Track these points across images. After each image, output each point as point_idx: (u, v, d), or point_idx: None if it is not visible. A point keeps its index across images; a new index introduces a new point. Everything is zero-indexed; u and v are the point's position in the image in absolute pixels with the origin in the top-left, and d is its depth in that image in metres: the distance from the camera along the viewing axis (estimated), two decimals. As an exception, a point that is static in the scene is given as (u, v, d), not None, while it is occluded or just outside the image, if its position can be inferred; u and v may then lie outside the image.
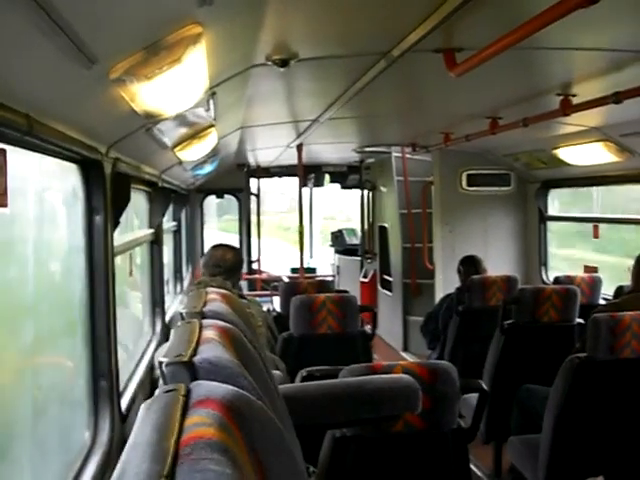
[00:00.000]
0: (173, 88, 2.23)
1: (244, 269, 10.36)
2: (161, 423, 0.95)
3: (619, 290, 5.00)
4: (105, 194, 2.74)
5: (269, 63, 3.07)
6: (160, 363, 1.34)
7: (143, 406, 1.06)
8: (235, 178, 10.21)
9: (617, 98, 3.54)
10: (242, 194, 10.51)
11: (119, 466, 0.90)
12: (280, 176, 11.04)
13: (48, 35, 1.35)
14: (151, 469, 0.82)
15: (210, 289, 2.35)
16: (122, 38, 1.65)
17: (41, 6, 1.22)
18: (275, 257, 13.62)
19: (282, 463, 1.22)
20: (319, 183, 11.20)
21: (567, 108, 4.05)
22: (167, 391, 1.07)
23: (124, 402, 3.15)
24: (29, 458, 2.32)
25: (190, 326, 1.59)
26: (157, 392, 1.10)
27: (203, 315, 1.82)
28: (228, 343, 1.54)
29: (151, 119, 2.64)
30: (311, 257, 12.48)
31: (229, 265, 4.22)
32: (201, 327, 1.58)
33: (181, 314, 1.96)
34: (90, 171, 2.68)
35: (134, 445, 0.93)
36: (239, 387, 1.18)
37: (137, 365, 4.03)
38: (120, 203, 2.94)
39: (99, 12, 1.42)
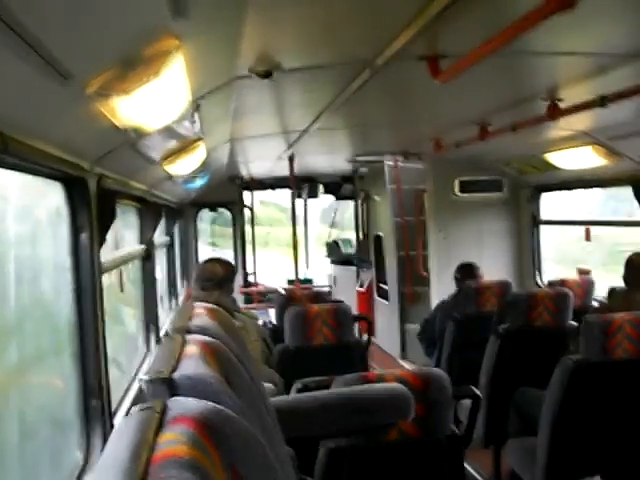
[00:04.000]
0: (153, 102, 2.22)
1: (240, 282, 10.34)
2: (134, 441, 0.93)
3: (612, 292, 5.00)
4: (90, 211, 2.72)
5: (252, 75, 3.07)
6: (141, 380, 1.33)
7: (118, 423, 1.05)
8: (228, 191, 10.18)
9: (603, 102, 3.55)
10: (235, 207, 10.49)
11: None
12: (273, 188, 11.01)
13: (18, 53, 1.34)
14: None
15: (198, 304, 2.33)
16: (95, 53, 1.63)
17: (9, 25, 1.20)
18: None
19: (267, 477, 1.20)
20: (313, 194, 11.18)
21: (554, 113, 4.05)
22: (143, 408, 1.06)
23: (117, 421, 3.12)
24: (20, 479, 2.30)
25: (173, 342, 1.57)
26: (133, 409, 1.09)
27: (189, 331, 1.80)
28: (211, 358, 1.52)
29: (135, 134, 2.62)
30: (307, 268, 12.43)
31: (219, 278, 4.19)
32: (184, 343, 1.57)
33: (166, 331, 1.95)
34: (74, 188, 2.66)
35: (105, 463, 0.92)
36: (220, 403, 1.16)
37: (130, 383, 4.00)
38: (106, 220, 2.92)
39: (69, 28, 1.40)
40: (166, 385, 1.25)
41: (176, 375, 1.27)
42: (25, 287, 2.45)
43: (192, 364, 1.37)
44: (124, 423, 1.02)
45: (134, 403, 3.60)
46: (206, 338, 1.66)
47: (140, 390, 3.82)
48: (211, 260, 4.48)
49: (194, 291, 4.32)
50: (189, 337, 1.64)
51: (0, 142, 1.66)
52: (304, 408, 2.58)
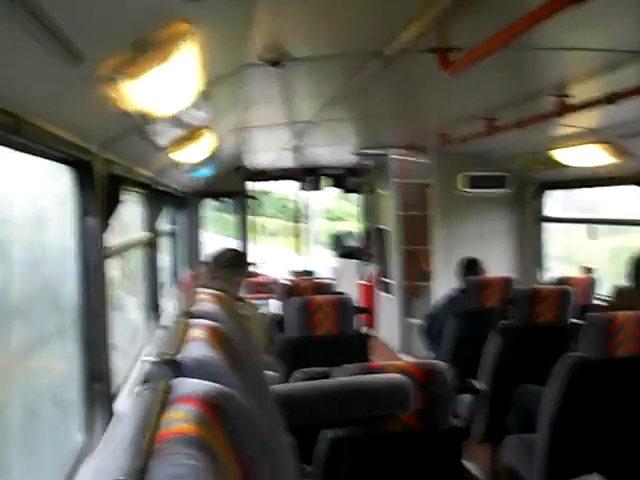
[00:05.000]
0: (163, 87, 2.22)
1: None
2: (140, 419, 0.94)
3: (616, 290, 5.00)
4: (96, 196, 2.73)
5: (261, 62, 3.06)
6: (146, 362, 1.34)
7: (126, 402, 1.06)
8: (233, 181, 10.18)
9: (611, 99, 3.54)
10: (240, 198, 10.49)
11: (97, 460, 0.89)
12: (278, 179, 11.02)
13: (32, 33, 1.34)
14: (125, 463, 0.81)
15: (202, 289, 2.34)
16: (108, 35, 1.64)
17: (24, 4, 1.21)
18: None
19: (269, 461, 1.21)
20: (317, 186, 11.17)
21: (562, 109, 4.05)
22: (148, 388, 1.07)
23: (119, 405, 3.14)
24: (21, 461, 2.31)
25: (179, 326, 1.58)
26: (138, 389, 1.09)
27: (192, 315, 1.81)
28: (216, 342, 1.53)
29: (143, 119, 2.63)
30: (308, 260, 12.44)
31: (224, 264, 4.18)
32: (189, 327, 1.57)
33: (172, 315, 1.96)
34: (81, 172, 2.67)
35: (111, 441, 0.93)
36: (224, 385, 1.17)
37: (132, 367, 4.02)
38: (112, 205, 2.93)
39: (83, 10, 1.41)
40: (171, 367, 1.26)
41: (182, 357, 1.28)
42: (32, 270, 2.46)
43: (197, 347, 1.38)
44: (130, 402, 1.03)
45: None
46: (211, 322, 1.67)
47: (143, 373, 3.85)
48: (223, 249, 4.51)
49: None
50: (194, 321, 1.65)
51: (14, 123, 1.66)
52: (304, 397, 2.58)
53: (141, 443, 0.85)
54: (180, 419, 0.92)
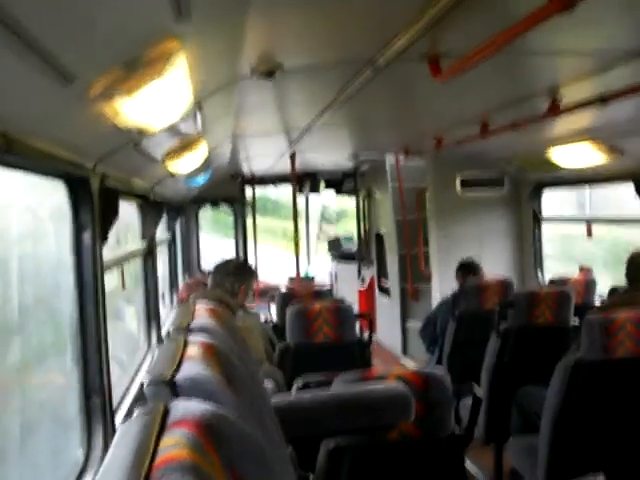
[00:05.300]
0: (156, 103, 2.23)
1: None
2: (136, 446, 0.94)
3: (613, 291, 5.00)
4: (93, 210, 2.73)
5: (255, 75, 3.07)
6: (142, 383, 1.34)
7: (121, 427, 1.06)
8: (230, 188, 10.20)
9: (603, 100, 3.55)
10: (237, 204, 10.50)
11: None
12: (275, 184, 11.04)
13: (20, 55, 1.35)
14: None
15: (200, 300, 2.34)
16: (98, 55, 1.64)
17: (11, 28, 1.21)
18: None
19: (264, 480, 1.21)
20: (314, 190, 11.19)
21: (555, 111, 4.05)
22: (145, 412, 1.07)
23: (119, 418, 3.13)
24: (20, 477, 2.31)
25: (174, 343, 1.58)
26: (135, 412, 1.10)
27: (189, 331, 1.81)
28: (213, 360, 1.53)
29: (137, 134, 2.63)
30: (309, 264, 12.44)
31: (226, 270, 4.20)
32: (186, 344, 1.57)
33: (168, 331, 1.96)
34: (77, 187, 2.67)
35: (109, 467, 0.93)
36: (220, 405, 1.17)
37: (132, 380, 4.01)
38: (109, 218, 2.94)
39: (71, 31, 1.41)
40: (168, 387, 1.26)
41: (178, 377, 1.28)
42: (28, 285, 2.46)
43: (193, 366, 1.38)
44: (127, 427, 1.03)
45: (135, 403, 3.61)
46: (207, 339, 1.67)
47: (141, 390, 3.84)
48: (228, 257, 4.54)
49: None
50: (190, 337, 1.64)
51: (4, 142, 1.67)
52: (304, 408, 2.58)
53: (138, 472, 0.85)
54: (175, 444, 0.93)
